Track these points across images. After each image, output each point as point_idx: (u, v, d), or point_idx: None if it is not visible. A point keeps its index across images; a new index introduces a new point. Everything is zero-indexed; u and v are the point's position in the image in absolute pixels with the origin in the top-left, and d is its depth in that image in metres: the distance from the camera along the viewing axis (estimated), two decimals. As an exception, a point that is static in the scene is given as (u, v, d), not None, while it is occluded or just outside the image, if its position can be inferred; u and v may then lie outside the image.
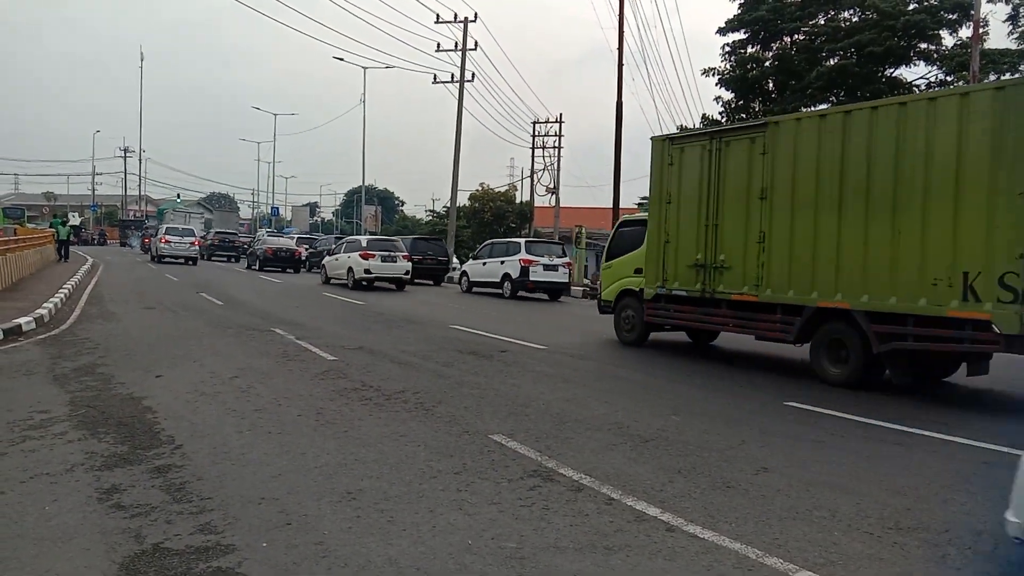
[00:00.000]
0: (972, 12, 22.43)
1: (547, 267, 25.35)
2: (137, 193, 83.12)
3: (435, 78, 38.01)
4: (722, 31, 33.34)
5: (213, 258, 44.82)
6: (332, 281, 28.00)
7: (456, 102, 36.60)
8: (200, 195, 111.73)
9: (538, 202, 56.26)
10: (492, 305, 22.69)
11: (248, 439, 6.60)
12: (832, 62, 29.64)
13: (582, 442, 6.82)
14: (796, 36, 32.01)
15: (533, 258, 25.38)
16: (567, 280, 26.69)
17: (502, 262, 26.17)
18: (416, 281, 30.19)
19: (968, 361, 9.82)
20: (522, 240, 27.98)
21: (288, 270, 35.25)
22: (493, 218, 60.66)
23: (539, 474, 5.81)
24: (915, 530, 4.89)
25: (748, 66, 32.12)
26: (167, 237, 37.31)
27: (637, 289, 13.92)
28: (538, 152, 52.55)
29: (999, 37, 57.17)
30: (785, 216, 10.94)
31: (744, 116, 33.41)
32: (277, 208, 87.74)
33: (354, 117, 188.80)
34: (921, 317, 9.19)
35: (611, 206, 31.45)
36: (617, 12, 30.54)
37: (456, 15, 35.50)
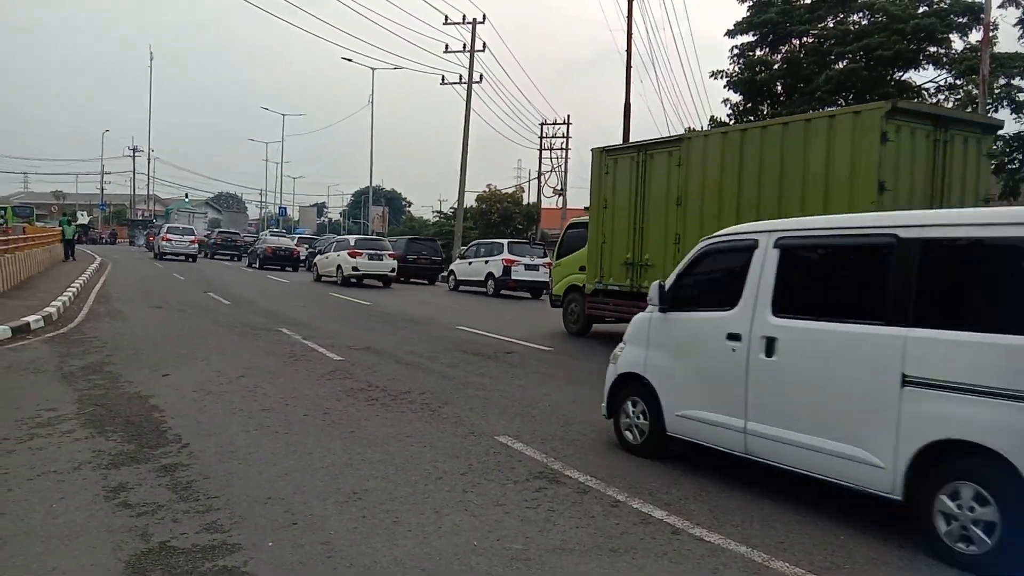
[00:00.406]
0: (982, 16, 22.33)
1: (528, 267, 26.21)
2: (146, 192, 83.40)
3: (443, 79, 38.05)
4: (730, 33, 33.24)
5: (216, 256, 46.03)
6: (323, 279, 28.94)
7: (464, 103, 36.65)
8: (208, 195, 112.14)
9: (545, 203, 56.26)
10: (485, 304, 22.69)
11: (255, 438, 6.61)
12: (841, 65, 29.52)
13: (588, 444, 6.81)
14: (805, 39, 31.90)
15: (515, 258, 26.30)
16: (548, 279, 27.11)
17: (486, 262, 27.03)
18: (412, 280, 31.24)
19: None
20: (505, 241, 28.65)
21: (287, 268, 36.33)
22: (500, 219, 60.63)
23: (545, 476, 5.81)
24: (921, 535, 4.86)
25: (756, 69, 32.01)
26: (168, 236, 39.73)
27: (581, 285, 15.25)
28: (545, 153, 52.58)
29: (1009, 40, 56.95)
30: (696, 221, 12.09)
31: (752, 119, 33.34)
32: (285, 208, 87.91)
33: (362, 118, 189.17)
34: None
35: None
36: (626, 14, 30.53)
37: (464, 16, 35.59)
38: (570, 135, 52.18)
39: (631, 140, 28.06)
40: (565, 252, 16.65)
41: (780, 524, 4.95)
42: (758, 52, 33.03)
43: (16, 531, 4.44)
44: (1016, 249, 4.44)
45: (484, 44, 36.62)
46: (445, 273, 32.32)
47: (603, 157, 14.61)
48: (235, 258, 45.22)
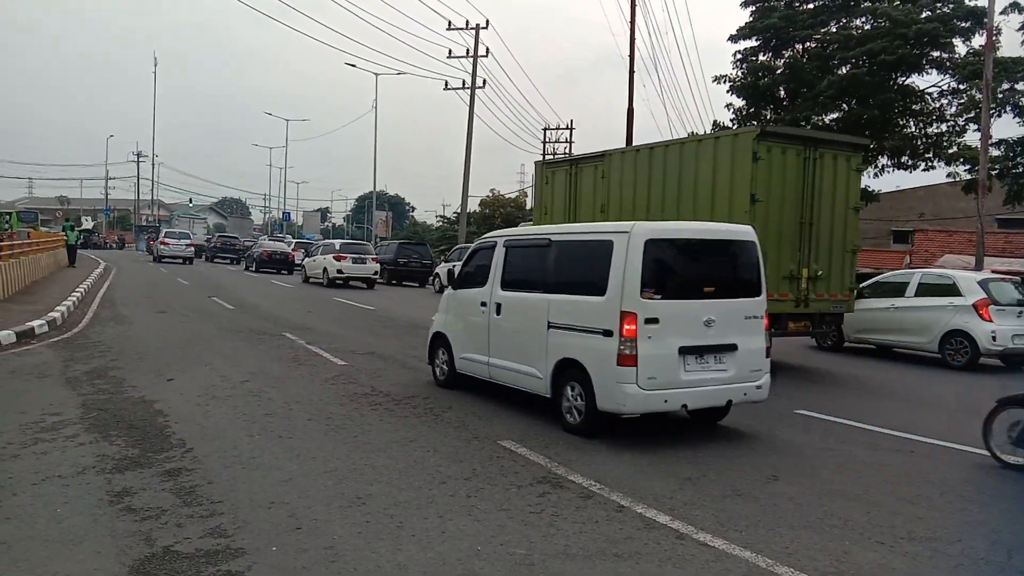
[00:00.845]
0: (985, 20, 22.32)
1: None
2: (150, 197, 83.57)
3: (447, 84, 38.11)
4: (733, 38, 33.26)
5: (215, 260, 47.29)
6: (311, 280, 30.50)
7: (467, 108, 36.71)
8: (212, 200, 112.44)
9: (548, 208, 56.19)
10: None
11: (258, 443, 6.61)
12: (844, 70, 29.52)
13: (592, 449, 6.80)
14: (808, 44, 31.89)
15: None
16: None
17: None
18: (404, 283, 32.22)
19: None
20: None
21: (283, 271, 37.37)
22: (503, 224, 60.71)
23: (548, 481, 5.80)
24: (928, 540, 4.85)
25: (759, 74, 32.02)
26: (166, 240, 42.87)
27: None
28: (548, 158, 52.57)
29: (1012, 45, 56.85)
30: None
31: (755, 123, 33.33)
32: (289, 213, 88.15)
33: (366, 123, 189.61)
34: None
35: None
36: (629, 19, 30.53)
37: (468, 22, 35.57)
38: (573, 140, 52.12)
39: (632, 144, 28.10)
40: None
41: (784, 529, 4.94)
42: (761, 57, 33.04)
43: (21, 535, 4.45)
44: (589, 246, 7.69)
45: (487, 49, 36.75)
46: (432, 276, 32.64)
47: (544, 170, 16.67)
48: (234, 261, 46.10)
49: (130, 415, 7.44)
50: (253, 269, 38.00)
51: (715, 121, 34.09)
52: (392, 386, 9.42)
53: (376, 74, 51.65)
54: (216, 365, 10.56)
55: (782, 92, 32.33)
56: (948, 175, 30.46)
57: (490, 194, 64.09)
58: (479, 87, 36.63)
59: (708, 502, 5.44)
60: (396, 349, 12.68)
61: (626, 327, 6.89)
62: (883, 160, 30.67)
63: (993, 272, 17.53)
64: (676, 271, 7.52)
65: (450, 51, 36.49)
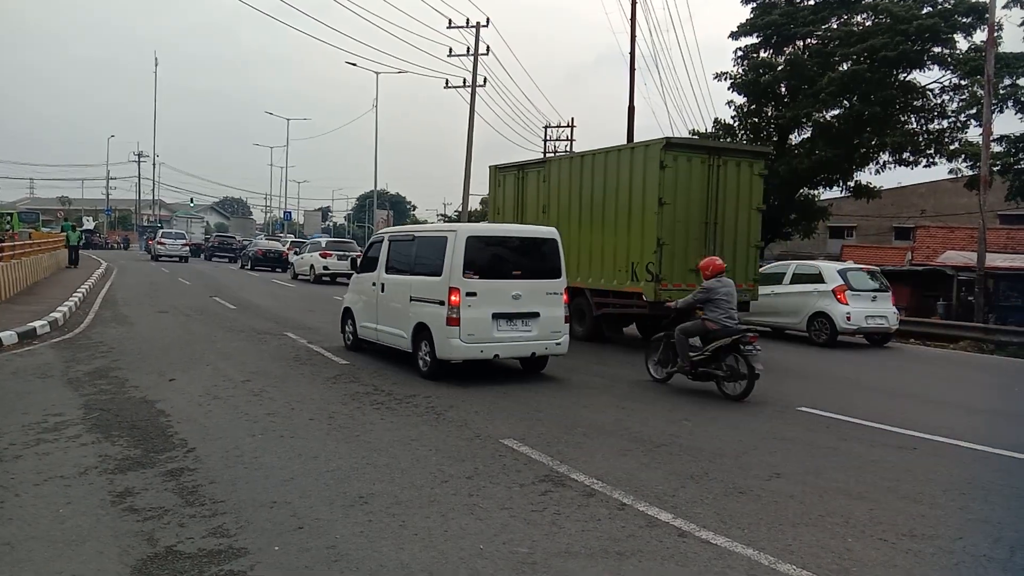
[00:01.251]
0: (987, 16, 22.28)
1: None
2: (151, 197, 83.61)
3: (447, 83, 38.03)
4: (734, 35, 33.23)
5: (213, 258, 49.28)
6: (299, 276, 32.08)
7: (468, 107, 36.68)
8: (214, 199, 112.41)
9: (549, 206, 56.17)
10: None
11: (260, 443, 6.62)
12: (845, 67, 29.47)
13: (594, 447, 6.80)
14: (809, 40, 31.84)
15: None
16: None
17: None
18: None
19: (638, 323, 15.49)
20: None
21: (277, 269, 38.69)
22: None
23: (551, 479, 5.80)
24: (930, 537, 4.85)
25: (760, 70, 31.97)
26: (163, 239, 45.66)
27: None
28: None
29: (1014, 40, 56.77)
30: (555, 222, 14.53)
31: (756, 120, 33.29)
32: (290, 213, 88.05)
33: (367, 122, 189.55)
34: (616, 291, 14.00)
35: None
36: (629, 17, 30.46)
37: (468, 20, 35.48)
38: (574, 138, 52.09)
39: (632, 141, 28.07)
40: None
41: (787, 527, 4.94)
42: (762, 54, 33.00)
43: (23, 536, 4.45)
44: (434, 241, 10.32)
45: (488, 48, 36.68)
46: None
47: (496, 173, 18.15)
48: (232, 260, 47.42)
49: (132, 415, 7.45)
50: (248, 267, 39.65)
51: (716, 119, 34.03)
52: (394, 385, 9.43)
53: (377, 73, 51.59)
54: (218, 365, 10.56)
55: (783, 89, 32.28)
56: (950, 171, 30.42)
57: (491, 192, 63.97)
58: (480, 85, 36.57)
59: (710, 500, 5.44)
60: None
61: (452, 298, 9.62)
62: (884, 157, 30.62)
63: (854, 263, 20.68)
64: (490, 259, 10.13)
65: (451, 49, 36.42)
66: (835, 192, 34.37)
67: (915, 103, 29.84)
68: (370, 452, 6.40)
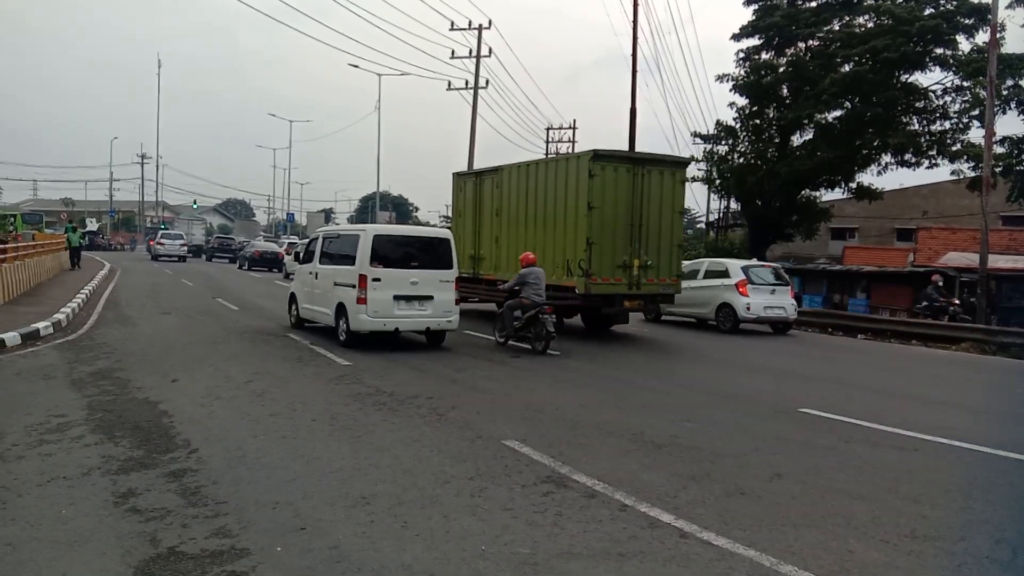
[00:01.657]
0: (989, 17, 22.26)
1: None
2: (154, 199, 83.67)
3: (449, 85, 38.06)
4: (736, 37, 33.25)
5: (213, 259, 51.01)
6: (290, 276, 33.20)
7: (471, 108, 36.71)
8: (217, 201, 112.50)
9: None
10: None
11: (263, 443, 6.63)
12: (847, 68, 29.47)
13: (596, 448, 6.81)
14: (810, 42, 31.85)
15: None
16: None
17: None
18: None
19: (582, 314, 17.45)
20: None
21: (274, 269, 39.44)
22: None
23: (553, 480, 5.80)
24: (931, 538, 4.85)
25: (762, 72, 31.99)
26: (162, 240, 48.00)
27: None
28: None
29: (1016, 42, 56.67)
30: (507, 225, 17.29)
31: (758, 122, 33.29)
32: (292, 214, 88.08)
33: (369, 124, 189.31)
34: (555, 285, 14.97)
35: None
36: (631, 19, 30.46)
37: (470, 22, 35.52)
38: (576, 140, 52.14)
39: (635, 146, 28.10)
40: None
41: (788, 528, 4.94)
42: (764, 55, 33.02)
43: (26, 537, 4.47)
44: (351, 237, 13.14)
45: (490, 50, 36.78)
46: None
47: (457, 179, 20.00)
48: (232, 260, 48.61)
49: (135, 416, 7.46)
50: (246, 267, 41.01)
51: (718, 120, 34.04)
52: (396, 386, 9.43)
53: (379, 75, 51.59)
54: (220, 366, 10.58)
55: (785, 90, 32.30)
56: (952, 173, 30.41)
57: (493, 194, 63.93)
58: (482, 87, 36.61)
59: (712, 501, 5.44)
60: (399, 349, 12.68)
61: (361, 283, 12.26)
62: (886, 158, 30.60)
63: (757, 260, 23.08)
64: (393, 253, 12.69)
65: (453, 52, 36.47)
66: (837, 193, 34.37)
67: (917, 104, 29.82)
68: (372, 453, 6.41)
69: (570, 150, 52.42)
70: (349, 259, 12.81)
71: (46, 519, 4.75)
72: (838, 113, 30.69)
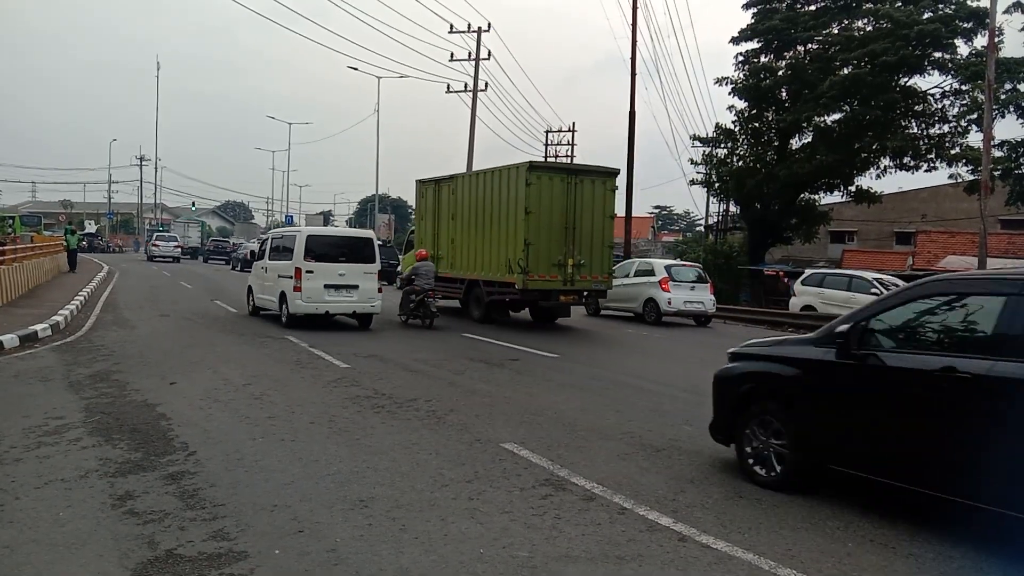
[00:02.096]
0: (987, 21, 22.30)
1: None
2: (153, 201, 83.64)
3: (448, 87, 38.09)
4: (735, 40, 33.31)
5: (209, 261, 52.29)
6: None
7: (470, 111, 36.73)
8: (215, 203, 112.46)
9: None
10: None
11: (261, 446, 6.62)
12: (846, 71, 29.51)
13: (594, 451, 6.80)
14: (810, 45, 31.92)
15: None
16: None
17: None
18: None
19: (529, 308, 19.16)
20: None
21: None
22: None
23: (551, 483, 5.80)
24: (931, 542, 4.84)
25: (761, 75, 32.04)
26: (156, 242, 50.98)
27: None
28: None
29: (1015, 46, 56.79)
30: (461, 228, 19.10)
31: (757, 125, 33.33)
32: (291, 216, 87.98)
33: (368, 126, 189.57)
34: (500, 282, 17.37)
35: (623, 214, 31.34)
36: (631, 22, 30.51)
37: (469, 25, 35.55)
38: (575, 142, 52.15)
39: (635, 148, 28.12)
40: (407, 249, 24.04)
41: (787, 532, 4.93)
42: (763, 59, 33.08)
43: (24, 539, 4.46)
44: (290, 236, 16.23)
45: (489, 52, 36.82)
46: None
47: (419, 186, 21.82)
48: (227, 262, 49.28)
49: (133, 419, 7.45)
50: (239, 269, 41.43)
51: (717, 123, 34.10)
52: (394, 389, 9.43)
53: (379, 77, 51.66)
54: (219, 369, 10.57)
55: (784, 93, 32.35)
56: (950, 176, 30.44)
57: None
58: (481, 90, 36.63)
59: (711, 504, 5.44)
60: (399, 352, 12.69)
61: (296, 274, 15.12)
62: (885, 161, 30.65)
63: (679, 260, 26.67)
64: (324, 249, 15.60)
65: (452, 54, 36.54)
66: (836, 197, 34.43)
67: (916, 108, 29.87)
68: (370, 456, 6.40)
69: (569, 153, 52.52)
70: (289, 255, 15.66)
71: (44, 521, 4.73)
72: (837, 116, 30.74)
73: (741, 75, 32.75)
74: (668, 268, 21.50)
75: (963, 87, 28.42)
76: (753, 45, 33.03)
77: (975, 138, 27.97)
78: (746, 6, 33.32)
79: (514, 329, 17.66)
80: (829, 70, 29.62)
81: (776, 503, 5.51)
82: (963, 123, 28.92)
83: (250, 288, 18.11)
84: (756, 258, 35.51)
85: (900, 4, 28.75)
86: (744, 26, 32.92)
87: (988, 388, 4.61)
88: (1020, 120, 27.13)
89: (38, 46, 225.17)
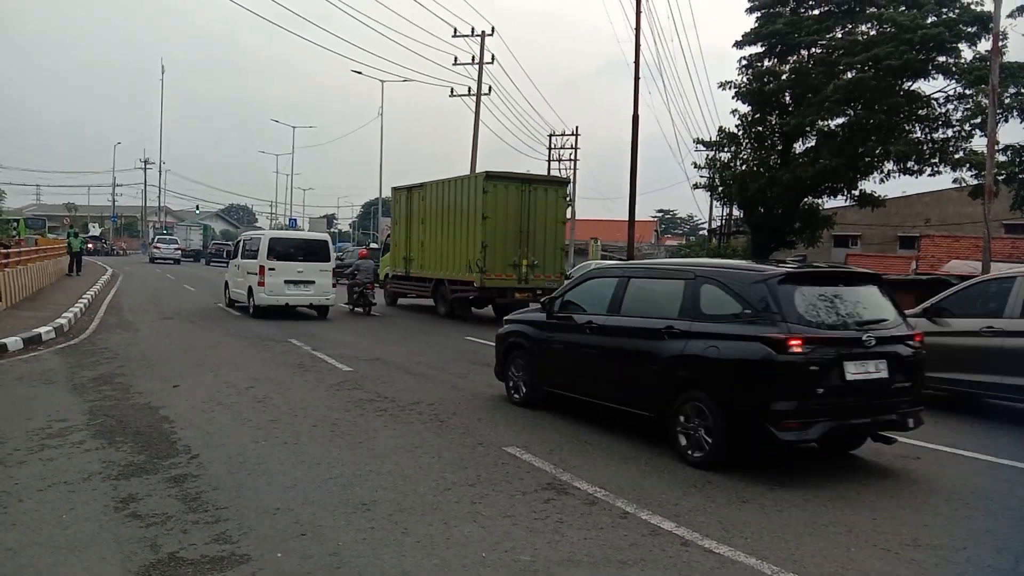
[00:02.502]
0: (991, 25, 22.26)
1: None
2: (157, 204, 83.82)
3: (452, 91, 38.09)
4: (739, 44, 33.26)
5: (211, 263, 53.50)
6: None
7: (473, 115, 36.77)
8: (219, 206, 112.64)
9: (554, 214, 56.18)
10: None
11: (264, 449, 6.62)
12: (849, 75, 29.47)
13: (597, 455, 6.80)
14: (813, 49, 31.86)
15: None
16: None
17: None
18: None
19: (492, 305, 20.12)
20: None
21: None
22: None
23: (553, 487, 5.79)
24: (933, 547, 4.83)
25: (765, 79, 32.00)
26: (158, 244, 54.08)
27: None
28: (554, 165, 52.57)
29: (1019, 50, 56.67)
30: (430, 231, 20.88)
31: (760, 129, 33.29)
32: (295, 220, 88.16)
33: (372, 130, 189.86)
34: (460, 280, 19.04)
35: (627, 218, 31.33)
36: (634, 25, 30.54)
37: (473, 29, 35.55)
38: (578, 146, 52.16)
39: (638, 152, 28.13)
40: (384, 252, 26.03)
41: (790, 536, 4.93)
42: (766, 63, 33.02)
43: (27, 542, 4.47)
44: (257, 238, 19.01)
45: (493, 56, 36.82)
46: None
47: (395, 193, 23.84)
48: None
49: (136, 421, 7.47)
50: None
51: (720, 127, 34.06)
52: (397, 392, 9.43)
53: (382, 81, 51.98)
54: (221, 371, 10.58)
55: (787, 97, 32.30)
56: (954, 180, 30.36)
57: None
58: (484, 94, 36.65)
59: (713, 508, 5.43)
60: (401, 356, 12.69)
61: (260, 271, 17.51)
62: (889, 165, 30.57)
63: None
64: (285, 250, 18.06)
65: (456, 58, 36.50)
66: (840, 201, 34.36)
67: (920, 112, 29.80)
68: (373, 459, 6.40)
69: (572, 157, 52.57)
70: (255, 254, 18.07)
71: (47, 524, 4.74)
72: (841, 120, 30.66)
73: (744, 79, 32.70)
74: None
75: (967, 91, 28.31)
76: (756, 49, 32.98)
77: (979, 142, 27.87)
78: (749, 10, 33.28)
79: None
80: (833, 74, 29.55)
81: (779, 508, 5.50)
82: (967, 127, 28.81)
83: (227, 283, 21.00)
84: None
85: (904, 8, 28.70)
86: (748, 30, 32.87)
87: (606, 332, 7.68)
88: (1024, 124, 27.09)
89: (41, 48, 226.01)
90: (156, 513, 4.96)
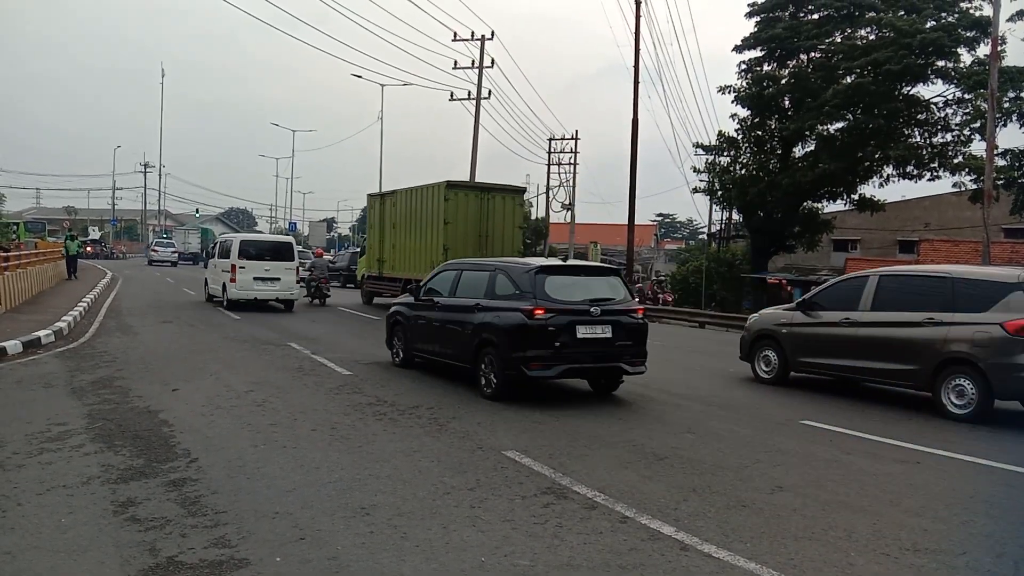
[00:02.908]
0: (990, 30, 22.32)
1: None
2: (157, 207, 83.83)
3: (452, 95, 38.12)
4: (738, 49, 33.34)
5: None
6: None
7: (473, 119, 36.79)
8: (219, 210, 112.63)
9: (554, 218, 56.32)
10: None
11: (263, 453, 6.62)
12: (849, 80, 29.53)
13: (596, 459, 6.79)
14: (812, 54, 31.92)
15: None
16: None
17: None
18: (348, 286, 35.05)
19: None
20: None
21: None
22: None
23: (553, 491, 5.79)
24: (933, 552, 4.83)
25: (764, 84, 32.08)
26: (156, 248, 55.31)
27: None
28: (554, 168, 52.63)
29: (1017, 55, 56.77)
30: (401, 235, 22.43)
31: (760, 133, 33.34)
32: (295, 223, 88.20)
33: (372, 133, 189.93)
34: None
35: (626, 222, 31.34)
36: (633, 30, 30.58)
37: (473, 33, 35.56)
38: (578, 150, 52.23)
39: (638, 156, 28.14)
40: (362, 254, 28.39)
41: (790, 541, 4.92)
42: (766, 67, 33.10)
43: (25, 545, 4.46)
44: (231, 240, 21.70)
45: (492, 60, 36.77)
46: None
47: (370, 199, 25.55)
48: None
49: (135, 425, 7.46)
50: None
51: (720, 131, 34.11)
52: (396, 396, 9.43)
53: (382, 85, 51.91)
54: (221, 375, 10.58)
55: (787, 102, 32.36)
56: (954, 185, 30.44)
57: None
58: (484, 98, 36.67)
59: (713, 513, 5.43)
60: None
61: (232, 269, 20.22)
62: (888, 170, 30.62)
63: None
64: (254, 251, 20.62)
65: (455, 62, 36.52)
66: (839, 205, 34.40)
67: (919, 116, 29.86)
68: (372, 463, 6.40)
69: (572, 161, 52.62)
70: (228, 254, 20.69)
71: (45, 528, 4.74)
72: (840, 125, 30.73)
73: (744, 83, 32.77)
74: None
75: (966, 96, 28.40)
76: (756, 53, 33.06)
77: (978, 147, 27.94)
78: (749, 15, 33.37)
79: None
80: (832, 79, 29.62)
81: (778, 512, 5.50)
82: (966, 132, 28.89)
83: (206, 280, 23.63)
84: (759, 266, 35.49)
85: (903, 13, 28.77)
86: (747, 35, 32.97)
87: (445, 308, 10.58)
88: (1023, 129, 27.14)
89: (41, 51, 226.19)
90: (155, 517, 4.96)
